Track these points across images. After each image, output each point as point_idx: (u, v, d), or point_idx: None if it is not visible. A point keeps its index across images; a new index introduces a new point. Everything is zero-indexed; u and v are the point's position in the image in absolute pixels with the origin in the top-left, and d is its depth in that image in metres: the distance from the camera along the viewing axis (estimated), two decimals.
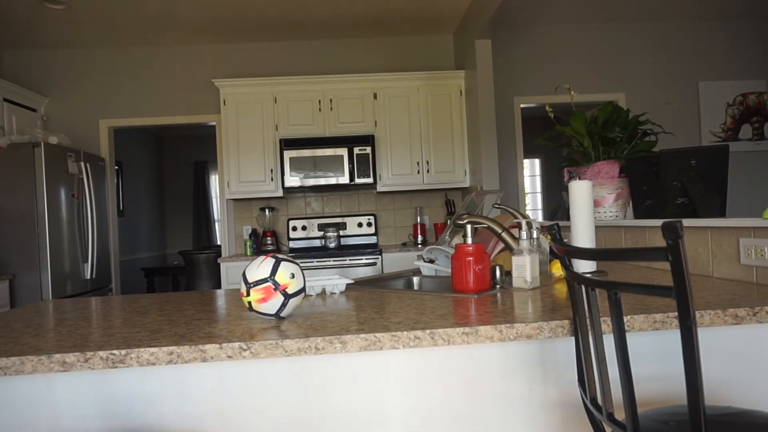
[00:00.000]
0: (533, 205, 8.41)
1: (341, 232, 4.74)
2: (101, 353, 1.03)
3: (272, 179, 4.55)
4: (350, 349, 1.07)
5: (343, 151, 4.45)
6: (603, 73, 5.01)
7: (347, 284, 1.77)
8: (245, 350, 1.05)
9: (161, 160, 8.09)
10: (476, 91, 4.30)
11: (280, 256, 1.29)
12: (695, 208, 1.92)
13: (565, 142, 6.18)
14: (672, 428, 0.95)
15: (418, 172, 4.62)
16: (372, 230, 4.81)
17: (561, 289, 1.54)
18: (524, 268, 1.57)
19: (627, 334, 0.91)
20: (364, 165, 4.46)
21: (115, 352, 1.03)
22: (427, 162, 4.64)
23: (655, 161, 2.08)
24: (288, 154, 4.43)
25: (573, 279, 1.03)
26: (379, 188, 4.61)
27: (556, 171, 7.97)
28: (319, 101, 4.57)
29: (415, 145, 4.64)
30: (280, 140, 4.46)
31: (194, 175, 8.05)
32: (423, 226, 4.76)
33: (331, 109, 4.58)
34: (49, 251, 3.83)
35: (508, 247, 1.73)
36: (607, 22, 5.01)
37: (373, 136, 4.52)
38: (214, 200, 8.12)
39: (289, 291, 1.23)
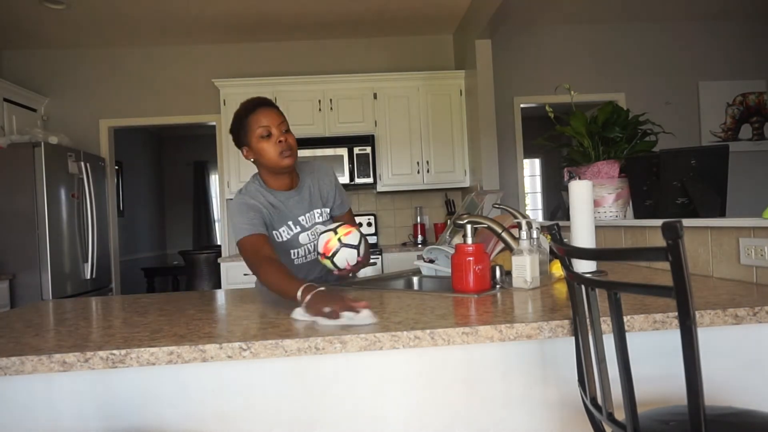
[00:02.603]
0: (533, 205, 8.42)
1: None
2: (101, 353, 1.03)
3: None
4: (350, 349, 1.07)
5: (343, 151, 4.45)
6: (603, 73, 5.01)
7: (347, 283, 1.77)
8: (245, 350, 1.05)
9: (161, 160, 8.09)
10: (476, 91, 4.30)
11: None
12: (695, 208, 1.92)
13: (565, 142, 6.18)
14: (672, 428, 0.95)
15: (418, 172, 4.62)
16: (372, 230, 4.81)
17: (561, 289, 1.54)
18: (524, 268, 1.57)
19: (627, 334, 0.91)
20: (364, 165, 4.46)
21: (115, 352, 1.03)
22: (427, 162, 4.64)
23: (655, 161, 2.08)
24: None
25: (573, 279, 1.03)
26: (379, 188, 4.61)
27: (556, 171, 7.97)
28: (319, 101, 4.57)
29: (415, 145, 4.64)
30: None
31: (194, 175, 8.05)
32: (423, 226, 4.76)
33: (331, 109, 4.58)
34: (49, 251, 3.83)
35: (508, 247, 1.73)
36: (607, 22, 5.01)
37: (373, 136, 4.52)
38: (214, 200, 8.12)
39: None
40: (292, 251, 1.81)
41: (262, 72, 4.91)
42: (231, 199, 1.86)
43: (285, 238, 1.78)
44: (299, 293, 1.32)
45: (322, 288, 1.32)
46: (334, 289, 1.66)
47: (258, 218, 1.73)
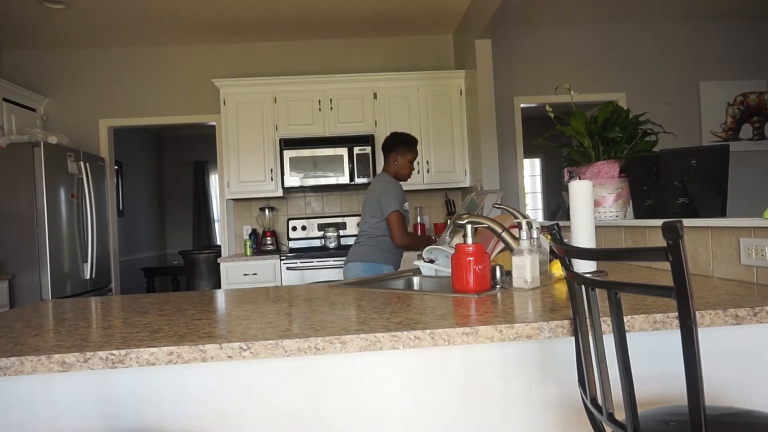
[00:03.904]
0: (533, 205, 8.41)
1: (341, 232, 4.74)
2: (101, 353, 1.03)
3: (272, 179, 4.55)
4: (350, 349, 1.07)
5: (343, 151, 4.45)
6: (603, 73, 5.01)
7: (347, 283, 1.77)
8: (245, 350, 1.05)
9: (161, 160, 8.09)
10: (476, 91, 4.30)
11: None
12: (695, 208, 1.92)
13: (565, 142, 6.17)
14: (672, 428, 0.94)
15: (418, 172, 4.62)
16: None
17: (561, 289, 1.54)
18: (524, 268, 1.57)
19: (627, 334, 0.91)
20: (364, 165, 4.46)
21: (114, 352, 1.03)
22: (427, 162, 4.64)
23: (655, 161, 2.08)
24: (288, 154, 4.42)
25: (573, 279, 1.03)
26: None
27: (556, 171, 7.97)
28: (319, 101, 4.57)
29: None
30: (280, 140, 4.46)
31: (194, 175, 8.05)
32: (423, 226, 4.76)
33: (331, 109, 4.58)
34: (49, 251, 3.83)
35: (508, 247, 1.73)
36: (607, 22, 5.01)
37: (373, 136, 4.52)
38: (214, 200, 8.12)
39: None
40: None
41: (262, 72, 4.91)
42: (388, 182, 2.92)
43: (408, 209, 2.98)
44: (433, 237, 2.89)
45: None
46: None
47: (403, 200, 2.87)
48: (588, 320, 1.00)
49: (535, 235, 1.63)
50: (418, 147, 4.72)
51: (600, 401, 0.99)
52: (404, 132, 3.08)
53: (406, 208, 2.93)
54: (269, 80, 4.56)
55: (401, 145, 2.96)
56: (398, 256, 2.98)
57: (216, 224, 8.11)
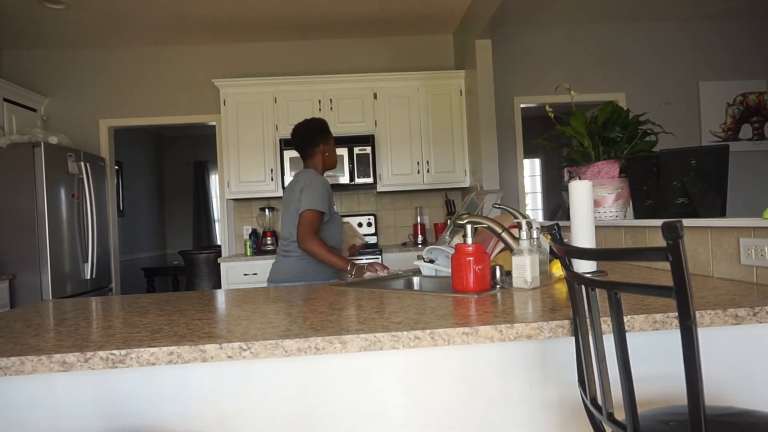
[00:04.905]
0: (533, 205, 8.41)
1: None
2: (101, 353, 1.03)
3: (272, 179, 4.55)
4: (350, 349, 1.07)
5: (343, 151, 4.45)
6: (603, 73, 5.01)
7: (347, 283, 1.77)
8: (245, 350, 1.05)
9: (161, 160, 8.09)
10: (476, 91, 4.30)
11: None
12: (695, 208, 1.92)
13: (565, 142, 6.17)
14: (672, 428, 0.95)
15: (418, 172, 4.62)
16: (372, 230, 4.81)
17: (561, 289, 1.54)
18: (524, 268, 1.57)
19: (627, 334, 0.91)
20: (364, 165, 4.46)
21: (115, 352, 1.03)
22: (427, 162, 4.64)
23: (655, 161, 2.08)
24: (288, 154, 4.42)
25: (573, 279, 1.03)
26: (379, 188, 4.61)
27: (556, 171, 7.97)
28: (319, 101, 4.57)
29: (415, 145, 4.64)
30: (280, 140, 4.46)
31: (194, 175, 8.05)
32: (423, 226, 4.76)
33: (331, 109, 4.58)
34: (49, 251, 3.83)
35: (508, 247, 1.73)
36: (607, 22, 5.01)
37: (373, 136, 4.52)
38: (214, 200, 8.12)
39: None
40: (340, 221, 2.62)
41: (262, 72, 4.91)
42: (314, 177, 2.50)
43: (336, 212, 2.57)
44: (349, 267, 2.33)
45: (361, 265, 2.34)
46: (365, 265, 2.38)
47: (328, 201, 2.45)
48: (588, 320, 1.00)
49: (535, 235, 1.63)
50: (418, 146, 4.79)
51: (600, 401, 0.99)
52: (310, 119, 2.64)
53: (335, 211, 2.54)
54: (269, 80, 4.56)
55: (324, 133, 2.59)
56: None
57: (216, 224, 8.11)
